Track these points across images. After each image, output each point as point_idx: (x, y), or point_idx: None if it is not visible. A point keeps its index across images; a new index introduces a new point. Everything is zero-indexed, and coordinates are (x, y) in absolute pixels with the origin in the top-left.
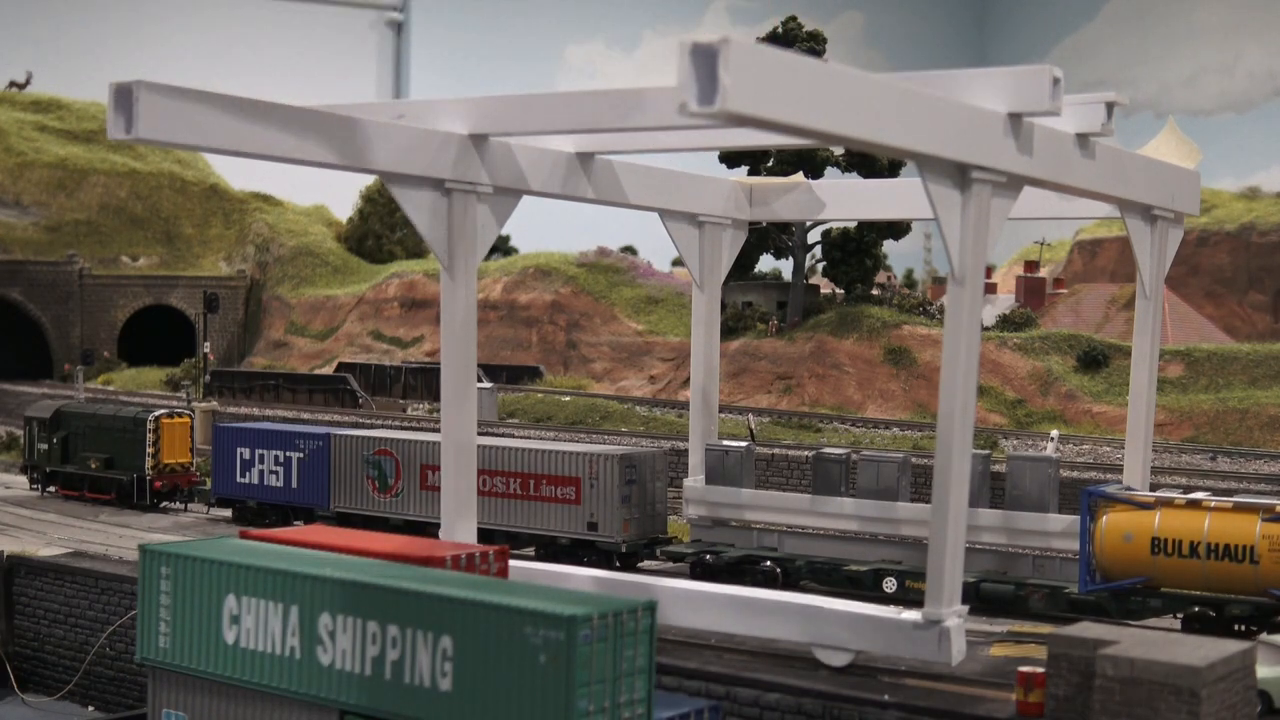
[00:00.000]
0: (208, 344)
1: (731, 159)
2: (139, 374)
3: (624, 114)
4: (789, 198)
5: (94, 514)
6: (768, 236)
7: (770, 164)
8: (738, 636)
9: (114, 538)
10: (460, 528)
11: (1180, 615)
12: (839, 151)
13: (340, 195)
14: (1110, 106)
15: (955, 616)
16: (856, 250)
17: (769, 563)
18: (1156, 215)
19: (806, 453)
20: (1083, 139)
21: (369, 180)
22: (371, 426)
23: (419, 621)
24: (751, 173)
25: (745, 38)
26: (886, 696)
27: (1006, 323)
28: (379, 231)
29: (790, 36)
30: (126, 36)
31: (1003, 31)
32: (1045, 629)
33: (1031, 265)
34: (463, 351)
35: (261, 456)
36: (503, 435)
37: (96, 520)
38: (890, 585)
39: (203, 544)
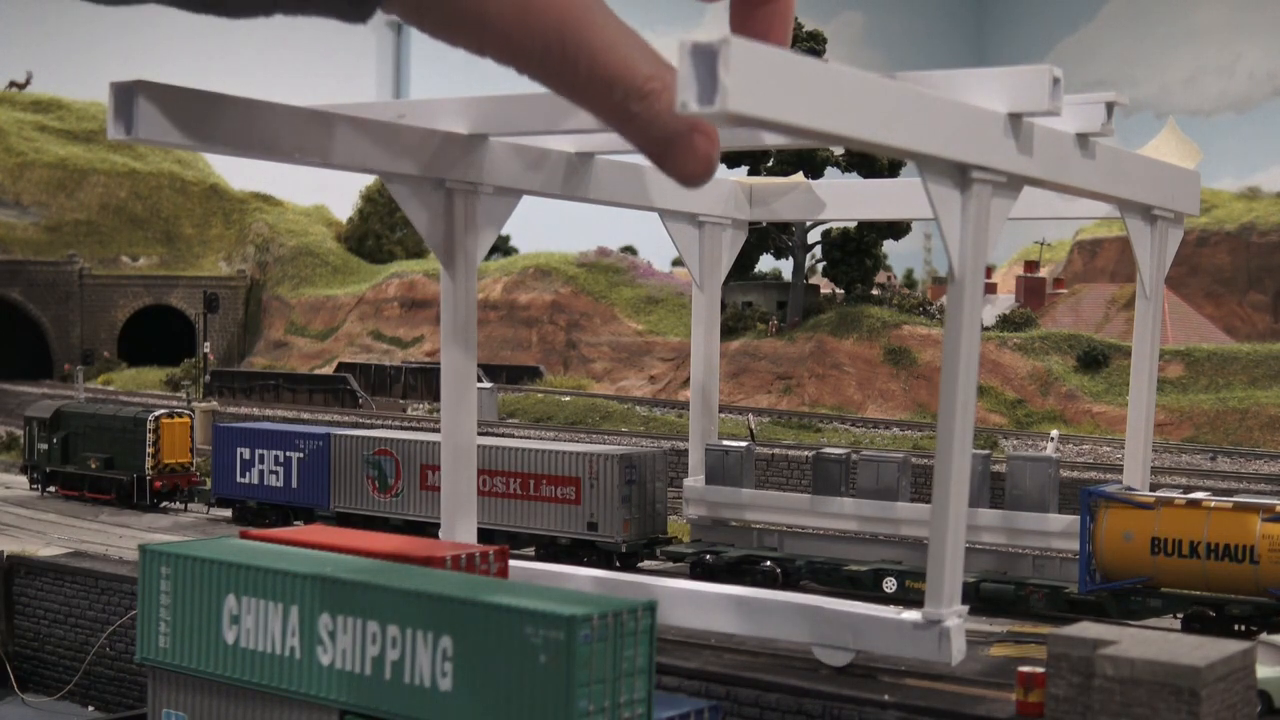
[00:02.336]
0: (208, 344)
1: (731, 159)
2: (139, 374)
3: None
4: (789, 198)
5: (94, 514)
6: (768, 236)
7: (770, 164)
8: (738, 636)
9: (114, 538)
10: (460, 528)
11: (1180, 615)
12: (839, 151)
13: (340, 195)
14: (1110, 106)
15: (955, 616)
16: (856, 250)
17: (769, 563)
18: (1156, 215)
19: (806, 453)
20: (1083, 139)
21: (369, 180)
22: (371, 426)
23: (419, 621)
24: (751, 173)
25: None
26: (886, 696)
27: (1006, 323)
28: (379, 231)
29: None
30: (126, 36)
31: (1003, 31)
32: (1045, 629)
33: (1031, 265)
34: (463, 351)
35: (261, 456)
36: (503, 435)
37: (96, 520)
38: (890, 585)
39: (203, 544)
